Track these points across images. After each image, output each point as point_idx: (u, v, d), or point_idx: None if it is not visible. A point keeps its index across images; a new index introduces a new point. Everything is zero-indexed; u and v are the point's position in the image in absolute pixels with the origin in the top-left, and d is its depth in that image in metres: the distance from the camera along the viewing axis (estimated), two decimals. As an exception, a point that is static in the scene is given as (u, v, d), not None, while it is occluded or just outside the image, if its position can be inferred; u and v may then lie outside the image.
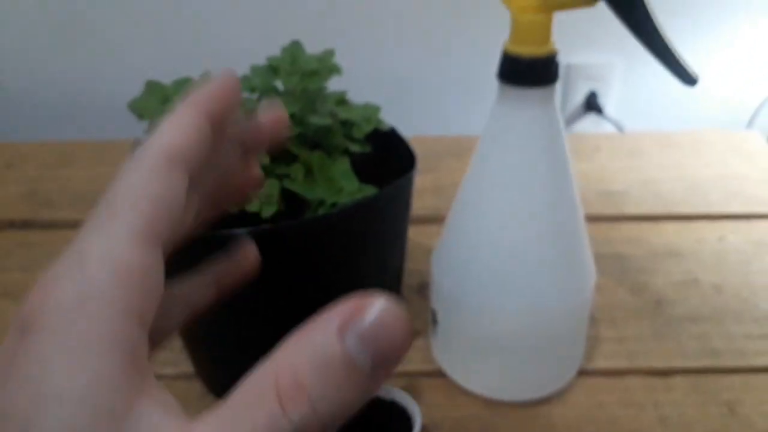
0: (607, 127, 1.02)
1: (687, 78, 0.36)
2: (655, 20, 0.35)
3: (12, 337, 0.18)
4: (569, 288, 0.43)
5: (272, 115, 0.27)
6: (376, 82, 0.94)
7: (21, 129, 0.97)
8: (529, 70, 0.38)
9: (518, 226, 0.41)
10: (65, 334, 0.17)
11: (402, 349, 0.17)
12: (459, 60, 0.97)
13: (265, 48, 0.46)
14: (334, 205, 0.41)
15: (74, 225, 0.71)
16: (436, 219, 0.70)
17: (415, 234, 0.68)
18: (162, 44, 0.93)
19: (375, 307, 0.17)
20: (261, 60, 0.45)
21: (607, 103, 1.01)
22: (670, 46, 0.35)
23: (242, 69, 0.45)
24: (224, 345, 0.45)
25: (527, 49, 0.38)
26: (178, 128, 0.22)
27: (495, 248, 0.42)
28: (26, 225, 0.71)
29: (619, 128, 1.00)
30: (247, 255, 0.29)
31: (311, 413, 0.16)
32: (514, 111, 0.39)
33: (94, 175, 0.79)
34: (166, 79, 0.42)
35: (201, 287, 0.27)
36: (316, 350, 0.17)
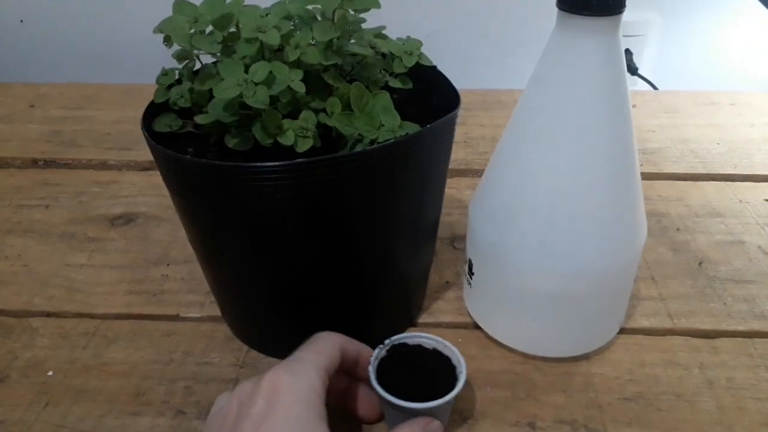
0: (642, 87, 0.98)
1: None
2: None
3: (262, 402, 0.32)
4: (621, 245, 0.41)
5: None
6: (400, 33, 0.90)
7: (44, 70, 0.95)
8: (594, -3, 0.35)
9: (569, 175, 0.38)
10: (304, 411, 0.32)
11: None
12: (487, 13, 0.93)
13: None
14: (372, 141, 0.38)
15: (98, 165, 0.70)
16: (467, 172, 0.68)
17: (446, 186, 0.66)
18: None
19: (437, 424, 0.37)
20: None
21: (641, 62, 0.97)
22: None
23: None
24: (255, 292, 0.43)
25: (592, -26, 0.34)
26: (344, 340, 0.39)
27: (541, 199, 0.39)
28: (48, 164, 0.69)
29: (654, 88, 0.96)
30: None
31: None
32: (575, 43, 0.36)
33: (117, 117, 0.76)
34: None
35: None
36: None
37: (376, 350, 0.40)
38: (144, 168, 0.67)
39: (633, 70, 0.98)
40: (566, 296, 0.42)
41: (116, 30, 0.92)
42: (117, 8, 0.91)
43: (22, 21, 0.92)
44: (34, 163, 0.69)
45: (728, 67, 0.97)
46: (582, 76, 0.37)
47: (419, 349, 0.41)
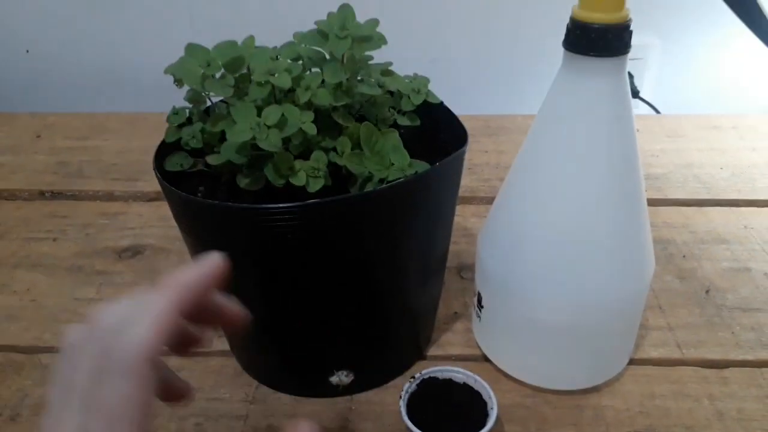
0: (643, 110, 0.98)
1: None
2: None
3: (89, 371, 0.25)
4: (628, 278, 0.41)
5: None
6: (404, 59, 0.91)
7: (50, 100, 0.95)
8: (600, 39, 0.35)
9: (578, 208, 0.39)
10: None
11: None
12: (490, 39, 0.94)
13: (293, 23, 0.44)
14: (382, 180, 0.39)
15: (105, 197, 0.70)
16: (472, 199, 0.68)
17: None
18: (194, 16, 0.90)
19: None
20: (288, 33, 0.43)
21: (643, 85, 0.98)
22: (764, 12, 0.33)
23: (274, 42, 0.43)
24: (265, 327, 0.43)
25: (599, 16, 0.35)
26: (156, 328, 0.26)
27: (550, 231, 0.40)
28: (55, 195, 0.69)
29: (656, 111, 0.97)
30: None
31: None
32: (581, 83, 0.37)
33: (123, 147, 0.77)
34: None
35: None
36: None
37: (406, 384, 0.40)
38: (151, 199, 0.68)
39: (635, 93, 0.99)
40: (576, 328, 0.42)
41: (122, 59, 0.92)
42: (122, 37, 0.91)
43: (28, 51, 0.92)
44: (41, 194, 0.69)
45: (728, 89, 0.98)
46: (589, 114, 0.37)
47: (449, 383, 0.41)
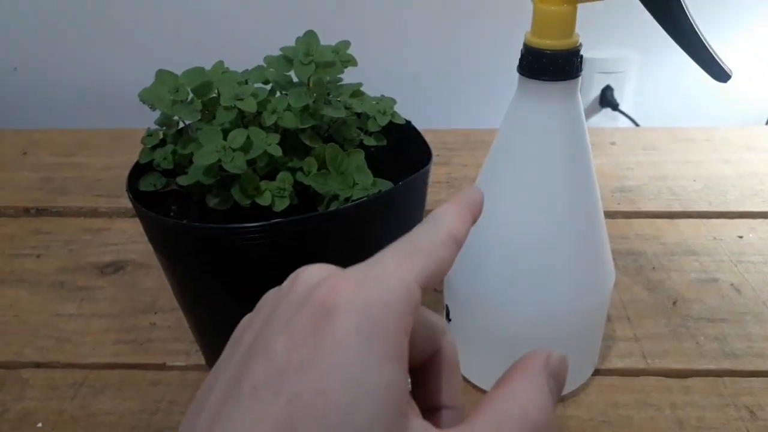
0: (622, 123, 1.00)
1: (720, 74, 0.34)
2: (688, 13, 0.34)
3: (309, 313, 0.20)
4: (588, 290, 0.42)
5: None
6: (388, 76, 0.93)
7: (36, 117, 0.97)
8: (551, 64, 0.37)
9: (535, 224, 0.40)
10: (374, 338, 0.19)
11: (565, 381, 0.25)
12: (471, 53, 0.96)
13: (279, 40, 0.45)
14: (347, 199, 0.40)
15: (89, 213, 0.71)
16: (449, 213, 0.70)
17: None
18: (177, 35, 0.92)
19: (557, 356, 0.26)
20: (273, 52, 0.44)
21: (623, 98, 1.00)
22: (703, 40, 0.34)
23: (255, 60, 0.44)
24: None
25: (550, 42, 0.36)
26: (461, 220, 0.25)
27: (509, 246, 0.41)
28: (40, 212, 0.71)
29: (635, 124, 0.99)
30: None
31: (543, 424, 0.22)
32: (534, 105, 0.38)
33: (107, 164, 0.78)
34: (181, 69, 0.41)
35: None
36: (538, 386, 0.24)
37: None
38: (134, 215, 0.69)
39: (614, 105, 1.01)
40: (537, 340, 0.43)
41: (108, 76, 0.94)
42: (107, 56, 0.93)
43: (15, 69, 0.94)
44: (26, 211, 0.71)
45: (707, 102, 1.00)
46: (542, 135, 0.39)
47: None
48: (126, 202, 0.71)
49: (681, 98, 1.00)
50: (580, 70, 0.38)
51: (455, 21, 0.93)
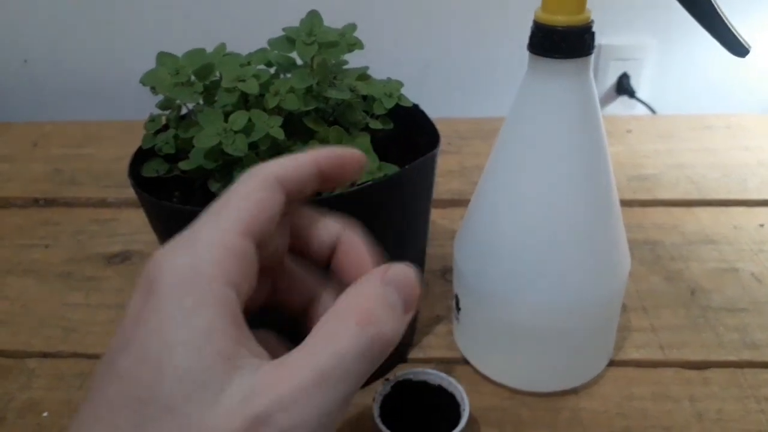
0: (639, 110, 0.98)
1: (738, 48, 0.33)
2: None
3: (138, 296, 0.23)
4: (603, 278, 0.41)
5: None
6: (398, 63, 0.92)
7: (46, 108, 0.97)
8: (563, 41, 0.35)
9: (548, 209, 0.39)
10: (183, 296, 0.22)
11: (416, 294, 0.25)
12: (484, 39, 0.94)
13: (284, 21, 0.44)
14: (352, 183, 0.39)
15: (97, 203, 0.71)
16: (461, 202, 0.68)
17: (439, 217, 0.66)
18: (187, 25, 0.91)
19: (397, 266, 0.25)
20: (278, 34, 0.43)
21: (640, 85, 0.98)
22: (720, 14, 0.33)
23: (260, 42, 0.43)
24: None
25: (561, 18, 0.35)
26: (295, 164, 0.26)
27: (522, 233, 0.40)
28: (50, 203, 0.70)
29: (652, 111, 0.97)
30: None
31: (381, 332, 0.23)
32: (546, 84, 0.37)
33: (118, 155, 0.78)
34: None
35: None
36: (373, 295, 0.24)
37: (380, 387, 0.41)
38: (141, 205, 0.68)
39: (631, 93, 0.99)
40: (550, 330, 0.42)
41: (118, 68, 0.94)
42: (119, 47, 0.93)
43: (26, 61, 0.94)
44: (35, 202, 0.70)
45: (725, 89, 0.98)
46: (554, 116, 0.37)
47: (423, 385, 0.41)
48: (133, 193, 0.70)
49: (699, 85, 0.97)
50: (593, 48, 0.36)
51: (468, 9, 0.91)
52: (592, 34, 0.36)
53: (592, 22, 0.36)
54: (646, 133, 0.81)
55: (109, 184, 0.72)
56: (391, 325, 0.23)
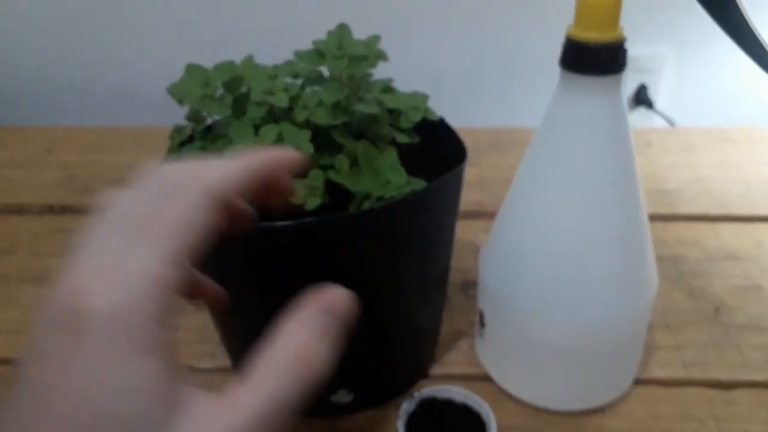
0: (658, 122, 0.97)
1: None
2: (742, 8, 0.32)
3: (62, 335, 0.21)
4: (631, 296, 0.40)
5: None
6: (415, 72, 0.91)
7: (59, 112, 0.97)
8: (595, 58, 0.35)
9: (578, 226, 0.38)
10: (118, 339, 0.21)
11: (351, 316, 0.27)
12: (502, 49, 0.94)
13: (303, 33, 0.44)
14: (380, 198, 0.39)
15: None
16: (480, 214, 0.68)
17: (458, 229, 0.66)
18: (203, 29, 0.91)
19: (336, 293, 0.27)
20: (299, 46, 0.43)
21: (658, 97, 0.97)
22: (755, 32, 0.32)
23: (283, 53, 0.43)
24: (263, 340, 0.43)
25: (594, 35, 0.35)
26: (230, 175, 0.25)
27: (551, 250, 0.39)
28: (64, 210, 0.70)
29: (670, 123, 0.96)
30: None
31: (320, 368, 0.25)
32: (577, 101, 0.36)
33: (132, 161, 0.78)
34: (207, 64, 0.40)
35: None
36: (313, 328, 0.25)
37: (404, 404, 0.40)
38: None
39: (649, 104, 0.98)
40: (577, 349, 0.41)
41: (132, 73, 0.94)
42: (133, 52, 0.93)
43: (39, 64, 0.94)
44: (50, 209, 0.70)
45: (745, 101, 0.97)
46: (585, 133, 0.37)
47: (449, 404, 0.41)
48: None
49: (718, 97, 0.97)
50: (625, 65, 0.36)
51: (482, 18, 0.91)
52: (625, 51, 0.36)
53: (625, 39, 0.35)
54: (665, 145, 0.81)
55: (124, 191, 0.72)
56: (327, 356, 0.25)
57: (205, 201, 0.23)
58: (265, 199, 0.29)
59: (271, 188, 0.28)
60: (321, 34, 0.43)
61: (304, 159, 0.28)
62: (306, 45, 0.42)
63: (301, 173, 0.29)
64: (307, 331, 0.25)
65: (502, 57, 0.94)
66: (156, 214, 0.23)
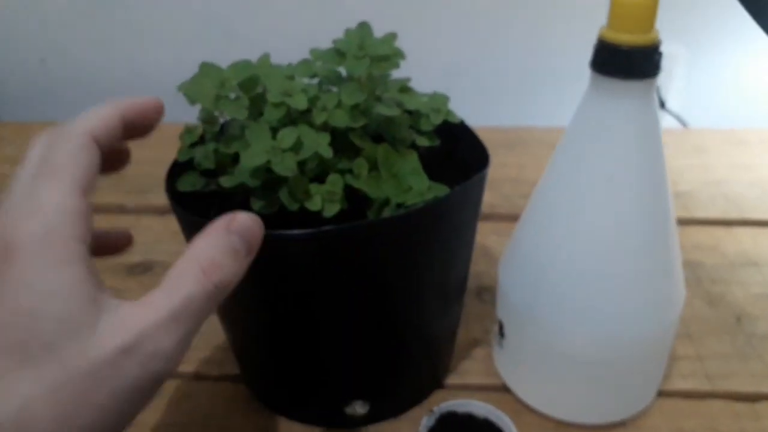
0: (669, 122, 0.96)
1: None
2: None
3: (41, 146, 0.28)
4: (659, 308, 0.39)
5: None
6: (423, 70, 0.90)
7: (64, 109, 0.94)
8: (629, 61, 0.34)
9: (605, 237, 0.37)
10: (45, 255, 0.25)
11: (259, 239, 0.30)
12: (513, 48, 0.92)
13: (304, 32, 0.42)
14: (399, 204, 0.37)
15: (116, 210, 0.68)
16: (490, 216, 0.66)
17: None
18: (208, 25, 0.89)
19: (242, 216, 0.30)
20: (300, 45, 0.41)
21: (669, 96, 0.96)
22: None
23: (283, 54, 0.41)
24: (278, 354, 0.42)
25: (628, 37, 0.33)
26: (103, 118, 0.30)
27: (575, 262, 0.38)
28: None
29: (682, 123, 0.95)
30: None
31: (223, 278, 0.28)
32: (608, 104, 0.35)
33: (136, 159, 0.75)
34: (212, 60, 0.39)
35: None
36: (218, 244, 0.29)
37: (424, 419, 0.39)
38: (161, 212, 0.66)
39: (660, 104, 0.97)
40: (601, 361, 0.40)
41: (137, 69, 0.92)
42: (139, 48, 0.91)
43: (43, 60, 0.92)
44: (55, 207, 0.68)
45: (758, 101, 0.95)
46: (616, 139, 0.35)
47: (469, 418, 0.39)
48: (154, 200, 0.68)
49: (731, 97, 0.95)
50: (659, 69, 0.35)
51: (488, 17, 0.89)
52: (660, 55, 0.34)
53: (660, 42, 0.34)
54: (678, 146, 0.79)
55: (126, 189, 0.70)
56: (234, 270, 0.29)
57: (87, 141, 0.29)
58: (133, 135, 0.33)
59: (137, 127, 0.32)
60: (321, 33, 0.42)
61: (161, 105, 0.33)
62: (310, 42, 0.41)
63: (157, 117, 0.33)
64: (211, 248, 0.28)
65: (506, 55, 0.92)
66: (50, 158, 0.28)
